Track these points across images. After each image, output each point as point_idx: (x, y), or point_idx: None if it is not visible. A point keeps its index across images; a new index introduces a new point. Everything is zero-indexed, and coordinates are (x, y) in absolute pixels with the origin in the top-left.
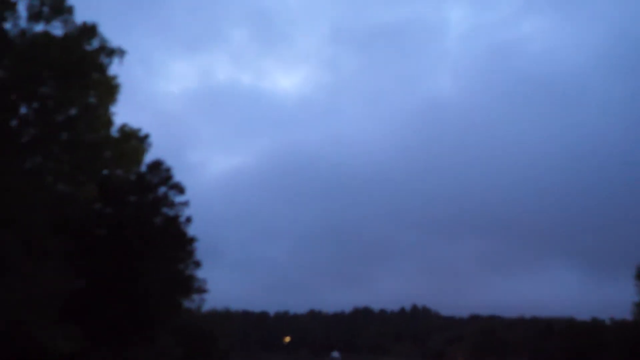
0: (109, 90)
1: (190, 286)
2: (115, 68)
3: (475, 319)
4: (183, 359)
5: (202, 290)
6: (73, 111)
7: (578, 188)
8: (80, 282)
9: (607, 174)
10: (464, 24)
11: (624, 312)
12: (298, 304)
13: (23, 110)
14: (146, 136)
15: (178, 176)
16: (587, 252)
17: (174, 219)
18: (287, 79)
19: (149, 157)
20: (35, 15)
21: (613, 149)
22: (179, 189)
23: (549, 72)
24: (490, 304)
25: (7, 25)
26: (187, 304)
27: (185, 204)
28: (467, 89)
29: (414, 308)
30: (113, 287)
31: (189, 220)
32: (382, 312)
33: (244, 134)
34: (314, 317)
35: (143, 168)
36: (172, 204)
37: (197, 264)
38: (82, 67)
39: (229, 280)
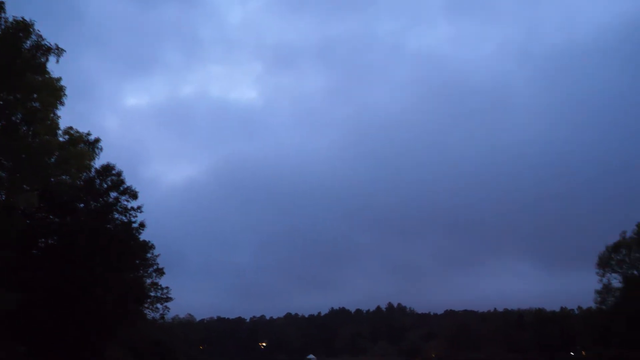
0: (53, 93)
1: (145, 294)
2: (58, 69)
3: (450, 314)
4: None
5: (166, 299)
6: (17, 116)
7: (532, 185)
8: (15, 296)
9: (559, 171)
10: (392, 37)
11: (589, 301)
12: (274, 309)
13: None
14: (96, 140)
15: (137, 190)
16: (551, 245)
17: (127, 225)
18: (229, 95)
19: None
20: None
21: (556, 147)
22: (132, 194)
23: (476, 79)
24: (464, 299)
25: None
26: (150, 313)
27: (139, 209)
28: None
29: (390, 306)
30: (61, 299)
31: (142, 225)
32: (359, 311)
33: (192, 146)
34: (290, 320)
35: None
36: (124, 210)
37: (160, 272)
38: (16, 66)
39: (200, 288)
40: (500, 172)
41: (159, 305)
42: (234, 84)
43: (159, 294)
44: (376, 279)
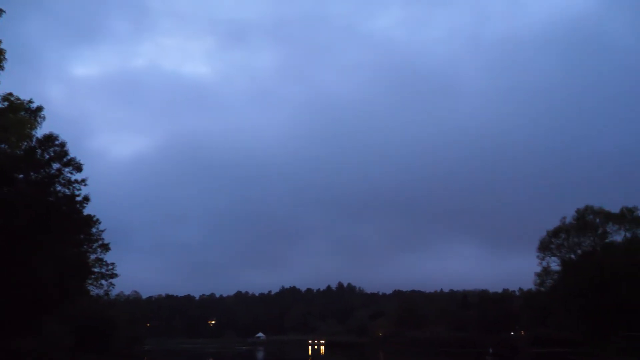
0: None
1: (88, 270)
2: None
3: (398, 294)
4: (74, 349)
5: (110, 275)
6: None
7: (478, 170)
8: None
9: (504, 157)
10: (344, 18)
11: (530, 283)
12: (224, 287)
13: None
14: (38, 108)
15: (83, 162)
16: (495, 229)
17: (70, 198)
18: (181, 69)
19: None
20: None
21: (501, 133)
22: (76, 165)
23: (426, 63)
24: (412, 279)
25: None
26: (94, 289)
27: (83, 182)
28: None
29: (340, 286)
30: None
31: (86, 199)
32: (309, 290)
33: (142, 120)
34: (240, 298)
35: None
36: (67, 182)
37: (105, 248)
38: None
39: (148, 265)
40: (447, 156)
41: (103, 282)
42: (185, 57)
43: (103, 270)
44: (327, 259)
